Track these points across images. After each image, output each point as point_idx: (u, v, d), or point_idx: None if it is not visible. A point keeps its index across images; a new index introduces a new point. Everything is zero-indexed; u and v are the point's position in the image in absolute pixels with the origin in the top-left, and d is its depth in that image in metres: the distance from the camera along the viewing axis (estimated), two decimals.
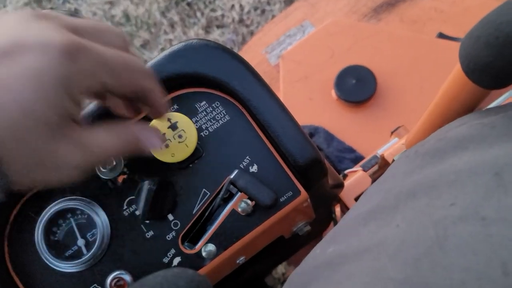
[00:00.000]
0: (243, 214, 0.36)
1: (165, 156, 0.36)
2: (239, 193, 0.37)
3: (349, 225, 0.29)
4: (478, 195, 0.23)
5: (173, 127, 0.36)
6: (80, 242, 0.36)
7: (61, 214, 0.36)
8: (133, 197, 0.37)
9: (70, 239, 0.36)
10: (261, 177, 0.37)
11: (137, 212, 0.37)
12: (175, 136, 0.36)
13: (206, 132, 0.38)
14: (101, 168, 0.37)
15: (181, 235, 0.37)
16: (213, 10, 1.52)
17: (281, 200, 0.37)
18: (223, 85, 0.37)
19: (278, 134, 0.36)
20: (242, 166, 0.37)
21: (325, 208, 0.52)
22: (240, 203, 0.36)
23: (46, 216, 0.36)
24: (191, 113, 0.38)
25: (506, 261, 0.19)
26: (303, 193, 0.37)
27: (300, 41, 0.92)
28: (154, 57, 0.38)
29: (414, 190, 0.26)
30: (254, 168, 0.37)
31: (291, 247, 0.51)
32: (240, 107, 0.38)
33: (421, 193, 0.26)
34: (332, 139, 0.81)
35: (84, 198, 0.37)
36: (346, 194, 0.51)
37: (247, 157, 0.38)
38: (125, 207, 0.37)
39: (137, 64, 0.30)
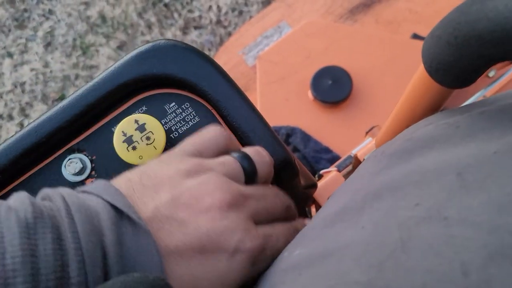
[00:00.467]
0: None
1: (132, 158, 0.35)
2: None
3: (316, 227, 0.29)
4: (442, 196, 0.23)
5: (141, 128, 0.35)
6: None
7: None
8: None
9: None
10: None
11: None
12: (143, 138, 0.35)
13: (175, 134, 0.38)
14: (68, 171, 0.36)
15: None
16: (190, 11, 1.52)
17: None
18: (192, 86, 0.37)
19: (248, 135, 0.36)
20: None
21: (299, 209, 0.52)
22: None
23: None
24: (160, 115, 0.37)
25: (465, 262, 0.19)
26: None
27: (276, 42, 0.92)
28: None
29: (380, 191, 0.26)
30: None
31: None
32: (210, 108, 0.38)
33: (387, 194, 0.26)
34: (309, 139, 0.81)
35: None
36: (320, 194, 0.52)
37: None
38: None
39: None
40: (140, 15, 1.55)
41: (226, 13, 1.49)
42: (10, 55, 1.57)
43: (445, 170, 0.24)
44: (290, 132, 0.82)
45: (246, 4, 1.49)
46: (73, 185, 0.36)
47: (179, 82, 0.37)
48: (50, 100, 1.51)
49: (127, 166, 0.36)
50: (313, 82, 0.82)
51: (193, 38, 1.48)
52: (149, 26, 1.53)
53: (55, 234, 0.24)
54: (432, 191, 0.23)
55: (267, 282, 0.29)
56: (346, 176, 0.57)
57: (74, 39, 1.56)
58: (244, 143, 0.37)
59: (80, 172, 0.36)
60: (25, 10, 1.63)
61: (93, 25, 1.56)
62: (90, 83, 0.37)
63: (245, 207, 0.30)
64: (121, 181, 0.29)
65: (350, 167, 0.58)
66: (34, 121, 0.37)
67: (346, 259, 0.23)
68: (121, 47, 1.53)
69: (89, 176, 0.37)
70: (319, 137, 0.81)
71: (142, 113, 0.37)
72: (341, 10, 1.03)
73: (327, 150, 0.79)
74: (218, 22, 1.49)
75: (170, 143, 0.37)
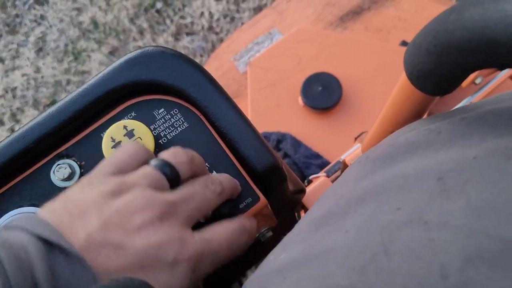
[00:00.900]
0: (202, 221, 0.36)
1: None
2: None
3: (302, 231, 0.29)
4: (423, 200, 0.23)
5: (129, 134, 0.36)
6: None
7: None
8: None
9: None
10: None
11: None
12: None
13: (164, 140, 0.38)
14: (57, 177, 0.36)
15: None
16: (182, 17, 1.52)
17: (240, 206, 0.37)
18: (180, 92, 0.37)
19: (236, 141, 0.37)
20: None
21: (288, 214, 0.52)
22: None
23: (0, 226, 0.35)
24: (149, 121, 0.38)
25: (444, 264, 0.19)
26: (262, 199, 0.37)
27: (267, 48, 0.93)
28: None
29: (364, 196, 0.27)
30: None
31: (255, 253, 0.51)
32: (199, 114, 0.38)
33: (370, 198, 0.26)
34: (299, 145, 0.82)
35: (38, 208, 0.36)
36: (309, 199, 0.52)
37: (206, 164, 0.38)
38: None
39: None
40: (132, 21, 1.55)
41: (218, 19, 1.50)
42: (1, 60, 1.57)
43: (426, 175, 0.24)
44: (281, 138, 0.83)
45: (238, 11, 1.50)
46: (62, 190, 0.36)
47: (167, 88, 0.37)
48: (41, 105, 1.50)
49: None
50: (303, 88, 0.83)
51: (185, 44, 1.48)
52: (141, 32, 1.53)
53: None
54: (414, 195, 0.24)
55: (253, 285, 0.29)
56: (335, 181, 0.57)
57: (66, 45, 1.56)
58: (232, 149, 0.37)
59: (69, 178, 0.36)
60: (17, 16, 1.63)
61: (85, 30, 1.56)
62: (79, 89, 0.37)
63: (176, 215, 0.30)
64: (45, 213, 0.28)
65: (339, 173, 0.58)
66: (22, 127, 0.37)
67: (329, 263, 0.24)
68: (113, 52, 1.53)
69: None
70: (309, 143, 0.82)
71: (131, 119, 0.38)
72: (331, 17, 1.04)
73: (317, 156, 0.80)
74: (210, 28, 1.49)
75: (159, 148, 0.38)
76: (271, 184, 0.38)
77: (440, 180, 0.23)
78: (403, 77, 0.28)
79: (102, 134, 0.37)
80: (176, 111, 0.38)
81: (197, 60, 1.43)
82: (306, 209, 0.56)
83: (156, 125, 0.38)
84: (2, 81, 1.54)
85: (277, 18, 1.10)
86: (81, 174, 0.37)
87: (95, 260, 0.26)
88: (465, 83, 0.67)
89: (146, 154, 0.33)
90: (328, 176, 0.58)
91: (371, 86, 0.85)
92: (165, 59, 0.37)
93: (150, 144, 0.36)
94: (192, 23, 1.51)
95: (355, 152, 0.54)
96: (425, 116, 0.33)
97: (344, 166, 0.55)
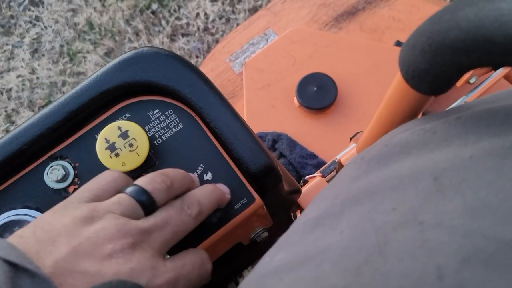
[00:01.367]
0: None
1: (115, 165, 0.35)
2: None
3: (297, 232, 0.29)
4: (418, 200, 0.23)
5: (124, 135, 0.35)
6: None
7: (6, 227, 0.35)
8: None
9: None
10: None
11: None
12: (126, 145, 0.35)
13: (159, 141, 0.38)
14: (51, 178, 0.36)
15: None
16: (178, 18, 1.52)
17: (235, 207, 0.37)
18: (175, 93, 0.37)
19: (231, 141, 0.37)
20: (196, 174, 0.37)
21: (283, 214, 0.52)
22: None
23: None
24: (143, 122, 0.38)
25: (440, 265, 0.19)
26: (258, 199, 0.37)
27: (262, 49, 0.93)
28: None
29: (359, 196, 0.27)
30: (208, 176, 0.37)
31: (251, 254, 0.51)
32: (194, 114, 0.38)
33: (365, 198, 0.26)
34: (295, 145, 0.82)
35: (31, 210, 0.35)
36: (304, 199, 0.52)
37: (201, 165, 0.37)
38: None
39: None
40: (127, 22, 1.54)
41: (214, 20, 1.50)
42: None
43: (421, 175, 0.24)
44: (276, 138, 0.83)
45: (233, 12, 1.50)
46: (55, 192, 0.36)
47: (162, 89, 0.37)
48: (36, 106, 1.50)
49: None
50: (298, 88, 0.83)
51: (180, 45, 1.48)
52: (137, 33, 1.53)
53: None
54: (409, 195, 0.24)
55: (249, 287, 0.29)
56: (330, 181, 0.57)
57: (61, 46, 1.55)
58: (227, 149, 0.37)
59: (62, 179, 0.36)
60: (12, 17, 1.62)
61: (81, 32, 1.56)
62: (73, 90, 0.37)
63: (149, 243, 0.29)
64: (14, 238, 0.28)
65: (334, 173, 0.58)
66: (15, 128, 0.36)
67: (324, 264, 0.24)
68: (108, 54, 1.52)
69: (72, 183, 0.37)
70: (305, 143, 0.82)
71: (126, 120, 0.38)
72: (326, 18, 1.04)
73: (312, 156, 0.79)
74: (206, 29, 1.49)
75: (154, 149, 0.38)
76: (266, 185, 0.38)
77: (435, 180, 0.23)
78: (398, 77, 0.28)
79: (96, 135, 0.37)
80: (171, 112, 0.38)
81: (193, 61, 1.43)
82: (301, 209, 0.56)
83: (150, 126, 0.38)
84: None
85: (272, 19, 1.10)
86: (75, 176, 0.37)
87: (63, 286, 0.25)
88: (459, 82, 0.67)
89: (124, 182, 0.33)
90: (323, 176, 0.58)
91: (366, 86, 0.85)
92: (160, 59, 0.37)
93: (144, 145, 0.36)
94: (187, 24, 1.51)
95: (350, 152, 0.54)
96: (419, 116, 0.33)
97: (339, 166, 0.55)
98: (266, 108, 0.87)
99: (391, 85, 0.30)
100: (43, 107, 1.48)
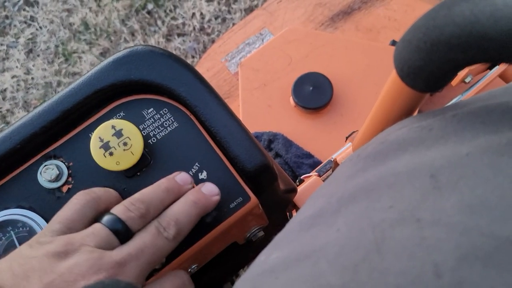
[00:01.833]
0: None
1: (109, 164, 0.35)
2: (200, 184, 0.36)
3: (293, 230, 0.29)
4: (415, 198, 0.23)
5: (118, 134, 0.35)
6: None
7: (0, 227, 0.35)
8: None
9: None
10: None
11: None
12: (120, 143, 0.35)
13: (154, 140, 0.37)
14: (44, 178, 0.35)
15: None
16: (174, 18, 1.52)
17: (231, 206, 0.37)
18: (170, 92, 0.37)
19: (226, 140, 0.36)
20: (191, 173, 0.37)
21: (279, 213, 0.52)
22: None
23: None
24: (138, 120, 0.37)
25: (438, 263, 0.19)
26: (253, 198, 0.37)
27: (258, 49, 0.93)
28: None
29: (355, 194, 0.26)
30: (203, 175, 0.37)
31: (247, 253, 0.51)
32: (189, 113, 0.38)
33: (362, 196, 0.26)
34: (291, 145, 0.81)
35: (25, 210, 0.35)
36: (300, 199, 0.52)
37: (196, 164, 0.37)
38: None
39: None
40: (123, 22, 1.54)
41: (210, 20, 1.49)
42: None
43: (418, 172, 0.24)
44: (272, 138, 0.83)
45: (229, 12, 1.49)
46: (49, 191, 0.36)
47: (156, 88, 0.37)
48: (31, 107, 1.49)
49: (105, 172, 0.36)
50: (294, 88, 0.83)
51: (176, 45, 1.48)
52: (132, 33, 1.52)
53: None
54: (406, 193, 0.23)
55: (245, 286, 0.28)
56: (326, 180, 0.57)
57: (56, 46, 1.54)
58: (223, 148, 0.37)
59: (56, 179, 0.36)
60: (6, 17, 1.61)
61: (76, 32, 1.55)
62: (67, 89, 0.37)
63: (125, 275, 0.29)
64: None
65: (330, 172, 0.58)
66: (9, 127, 0.36)
67: (321, 262, 0.23)
68: (104, 54, 1.52)
69: (66, 183, 0.36)
70: (300, 143, 0.82)
71: (120, 118, 0.37)
72: (322, 17, 1.04)
73: (308, 156, 0.79)
74: (202, 29, 1.49)
75: (148, 148, 0.37)
76: (262, 184, 0.38)
77: (432, 177, 0.23)
78: (393, 74, 0.28)
79: (90, 135, 0.36)
80: (165, 110, 0.38)
81: (189, 61, 1.43)
82: (297, 209, 0.56)
83: (145, 125, 0.38)
84: None
85: (268, 18, 1.09)
86: (69, 175, 0.36)
87: None
88: (455, 81, 0.67)
89: (94, 206, 0.32)
90: (319, 175, 0.58)
91: (362, 85, 0.85)
92: (154, 58, 0.37)
93: (138, 144, 0.35)
94: (183, 24, 1.51)
95: (346, 151, 0.54)
96: (415, 114, 0.33)
97: (335, 165, 0.55)
98: (262, 108, 0.86)
99: (386, 83, 0.30)
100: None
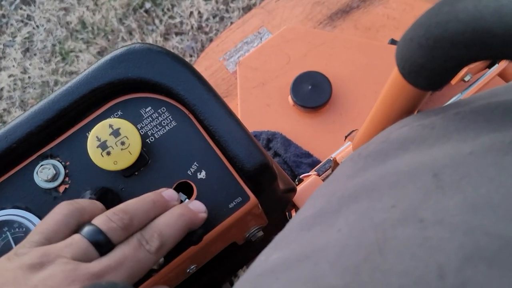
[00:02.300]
0: (156, 268, 0.35)
1: (107, 164, 0.34)
2: (187, 200, 0.36)
3: (294, 230, 0.29)
4: (418, 197, 0.22)
5: (115, 133, 0.35)
6: None
7: None
8: None
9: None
10: (209, 183, 0.36)
11: None
12: (117, 143, 0.34)
13: (152, 139, 0.37)
14: (41, 178, 0.35)
15: None
16: (171, 17, 1.51)
17: (230, 206, 0.36)
18: (168, 90, 0.36)
19: (225, 139, 0.36)
20: (190, 173, 0.37)
21: (279, 213, 0.51)
22: None
23: None
24: (135, 119, 0.37)
25: (441, 264, 0.18)
26: (253, 198, 0.37)
27: (257, 47, 0.92)
28: None
29: (356, 193, 0.26)
30: (202, 175, 0.37)
31: (246, 253, 0.51)
32: (187, 112, 0.37)
33: (363, 195, 0.25)
34: (290, 144, 0.81)
35: (21, 210, 0.35)
36: (300, 198, 0.51)
37: (195, 163, 0.37)
38: None
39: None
40: (120, 21, 1.53)
41: (207, 19, 1.49)
42: None
43: (420, 171, 0.24)
44: (271, 137, 0.82)
45: (227, 11, 1.49)
46: (46, 191, 0.36)
47: (154, 86, 0.37)
48: (28, 106, 1.48)
49: (102, 172, 0.36)
50: (293, 87, 0.82)
51: (174, 44, 1.47)
52: (130, 32, 1.51)
53: None
54: (408, 192, 0.23)
55: (244, 286, 0.28)
56: (326, 179, 0.57)
57: (53, 45, 1.54)
58: (222, 148, 0.37)
59: (53, 179, 0.35)
60: (3, 16, 1.60)
61: (73, 30, 1.55)
62: (64, 87, 0.36)
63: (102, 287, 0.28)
64: None
65: (329, 171, 0.58)
66: (4, 126, 0.36)
67: (322, 263, 0.23)
68: (101, 53, 1.51)
69: (63, 183, 0.36)
70: (299, 142, 0.81)
71: (118, 117, 0.37)
72: (321, 16, 1.04)
73: (307, 155, 0.79)
74: (199, 28, 1.48)
75: (146, 148, 0.37)
76: (261, 183, 0.38)
77: (435, 176, 0.23)
78: (394, 72, 0.28)
79: (87, 134, 0.36)
80: (163, 109, 0.38)
81: (187, 60, 1.42)
82: (297, 208, 0.55)
83: (143, 124, 0.37)
84: None
85: (266, 17, 1.09)
86: (66, 175, 0.36)
87: None
88: (454, 80, 0.67)
89: (76, 216, 0.31)
90: (319, 174, 0.57)
91: (361, 84, 0.84)
92: (152, 56, 0.37)
93: (136, 143, 0.35)
94: (181, 23, 1.50)
95: (345, 150, 0.54)
96: (415, 113, 0.33)
97: (335, 164, 0.55)
98: (260, 107, 0.86)
99: (388, 81, 0.30)
100: None
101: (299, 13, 1.06)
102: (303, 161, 0.78)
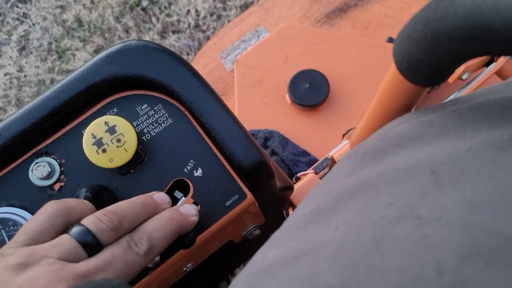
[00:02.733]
0: (152, 266, 0.35)
1: (102, 161, 0.34)
2: (184, 198, 0.36)
3: (291, 228, 0.28)
4: (416, 194, 0.22)
5: (111, 131, 0.34)
6: None
7: None
8: None
9: None
10: (206, 181, 0.36)
11: None
12: (113, 140, 0.34)
13: (148, 136, 0.37)
14: (36, 175, 0.35)
15: None
16: (168, 15, 1.51)
17: (226, 204, 0.36)
18: (164, 87, 0.36)
19: (222, 137, 0.36)
20: (186, 171, 0.36)
21: (276, 211, 0.51)
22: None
23: None
24: (131, 117, 0.37)
25: (440, 261, 0.18)
26: (249, 196, 0.36)
27: (254, 45, 0.92)
28: None
29: (354, 191, 0.26)
30: (198, 172, 0.36)
31: (243, 252, 0.50)
32: (183, 109, 0.37)
33: (361, 193, 0.25)
34: (287, 142, 0.81)
35: (16, 208, 0.34)
36: (297, 196, 0.51)
37: (192, 161, 0.37)
38: None
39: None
40: (117, 19, 1.53)
41: (205, 17, 1.48)
42: None
43: (418, 168, 0.24)
44: (268, 136, 0.82)
45: (224, 9, 1.49)
46: (41, 189, 0.35)
47: (150, 83, 0.36)
48: (24, 105, 1.47)
49: (97, 169, 0.35)
50: (290, 85, 0.82)
51: (171, 42, 1.47)
52: (127, 30, 1.51)
53: None
54: (406, 189, 0.23)
55: (241, 285, 0.28)
56: (324, 177, 0.56)
57: (50, 43, 1.53)
58: (218, 145, 0.36)
59: (48, 176, 0.35)
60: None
61: (69, 29, 1.54)
62: (59, 84, 0.36)
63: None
64: None
65: (327, 169, 0.57)
66: None
67: (319, 260, 0.23)
68: (98, 51, 1.50)
69: (58, 181, 0.36)
70: (297, 140, 0.81)
71: (113, 115, 0.37)
72: (318, 14, 1.04)
73: (305, 153, 0.79)
74: (197, 26, 1.48)
75: (142, 145, 0.37)
76: (258, 181, 0.37)
77: (433, 174, 0.23)
78: (392, 69, 0.27)
79: (83, 131, 0.36)
80: (160, 106, 0.37)
81: (184, 58, 1.41)
82: (294, 207, 0.55)
83: (139, 121, 0.37)
84: None
85: (264, 15, 1.09)
86: (61, 173, 0.36)
87: None
88: (452, 78, 0.67)
89: (65, 217, 0.31)
90: (316, 173, 0.57)
91: (358, 83, 0.84)
92: (148, 53, 0.36)
93: (132, 140, 0.35)
94: (178, 21, 1.50)
95: (343, 148, 0.54)
96: (413, 110, 0.33)
97: (332, 162, 0.54)
98: (257, 105, 0.86)
99: (385, 77, 0.29)
100: None
101: (297, 11, 1.06)
102: (301, 160, 0.78)
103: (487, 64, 0.68)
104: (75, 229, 0.30)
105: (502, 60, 0.66)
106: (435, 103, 0.63)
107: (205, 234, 0.36)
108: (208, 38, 1.44)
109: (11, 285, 0.27)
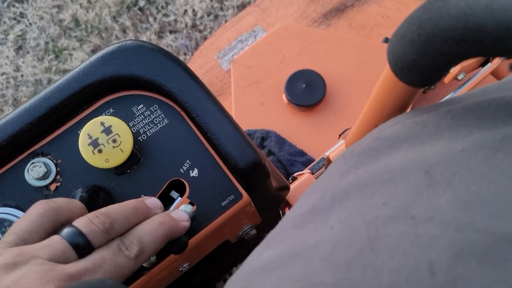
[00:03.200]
0: (148, 266, 0.35)
1: (98, 161, 0.34)
2: (180, 198, 0.36)
3: (286, 228, 0.29)
4: (409, 194, 0.22)
5: (107, 131, 0.34)
6: None
7: None
8: None
9: None
10: (202, 181, 0.36)
11: None
12: (109, 140, 0.34)
13: (144, 136, 0.37)
14: (32, 176, 0.35)
15: None
16: (165, 15, 1.50)
17: (222, 204, 0.36)
18: (160, 88, 0.36)
19: (218, 137, 0.36)
20: (182, 171, 0.36)
21: (272, 211, 0.51)
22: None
23: None
24: (127, 117, 0.37)
25: (432, 260, 0.18)
26: (245, 196, 0.37)
27: (251, 45, 0.92)
28: None
29: (349, 190, 0.26)
30: (194, 173, 0.37)
31: (239, 252, 0.51)
32: (179, 110, 0.37)
33: (355, 193, 0.25)
34: (284, 142, 0.81)
35: (12, 208, 0.34)
36: (293, 196, 0.51)
37: (188, 161, 0.37)
38: None
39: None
40: (114, 18, 1.52)
41: (202, 17, 1.48)
42: None
43: (412, 168, 0.24)
44: (265, 136, 0.82)
45: (221, 9, 1.49)
46: (36, 190, 0.35)
47: (146, 84, 0.36)
48: (21, 104, 1.47)
49: (93, 169, 0.35)
50: (287, 85, 0.82)
51: (168, 42, 1.46)
52: (124, 30, 1.51)
53: None
54: (400, 189, 0.23)
55: (236, 284, 0.28)
56: (319, 177, 0.57)
57: (46, 43, 1.53)
58: (214, 145, 0.36)
59: (44, 177, 0.35)
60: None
61: (66, 28, 1.54)
62: (55, 84, 0.36)
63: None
64: None
65: (323, 169, 0.58)
66: None
67: (314, 260, 0.23)
68: (95, 51, 1.50)
69: (54, 181, 0.36)
70: (293, 140, 0.81)
71: (109, 115, 0.37)
72: (315, 14, 1.04)
73: (301, 153, 0.79)
74: (194, 26, 1.48)
75: (138, 146, 0.37)
76: (254, 181, 0.37)
77: (427, 174, 0.23)
78: (386, 69, 0.28)
79: (79, 131, 0.36)
80: (156, 107, 0.37)
81: (181, 58, 1.41)
82: (290, 206, 0.55)
83: (135, 122, 0.37)
84: None
85: (261, 15, 1.09)
86: (57, 173, 0.36)
87: None
88: (447, 79, 0.67)
89: (54, 217, 0.31)
90: (312, 173, 0.57)
91: (355, 83, 0.84)
92: (144, 53, 0.36)
93: (128, 141, 0.35)
94: (175, 21, 1.50)
95: (339, 148, 0.54)
96: (408, 110, 0.33)
97: (328, 162, 0.55)
98: (254, 105, 0.86)
99: (379, 78, 0.30)
100: None
101: (294, 11, 1.06)
102: (297, 160, 0.78)
103: (483, 64, 0.68)
104: (66, 230, 0.30)
105: (497, 60, 0.66)
106: (431, 103, 0.63)
107: (201, 234, 0.36)
108: (205, 38, 1.44)
109: (0, 283, 0.27)
